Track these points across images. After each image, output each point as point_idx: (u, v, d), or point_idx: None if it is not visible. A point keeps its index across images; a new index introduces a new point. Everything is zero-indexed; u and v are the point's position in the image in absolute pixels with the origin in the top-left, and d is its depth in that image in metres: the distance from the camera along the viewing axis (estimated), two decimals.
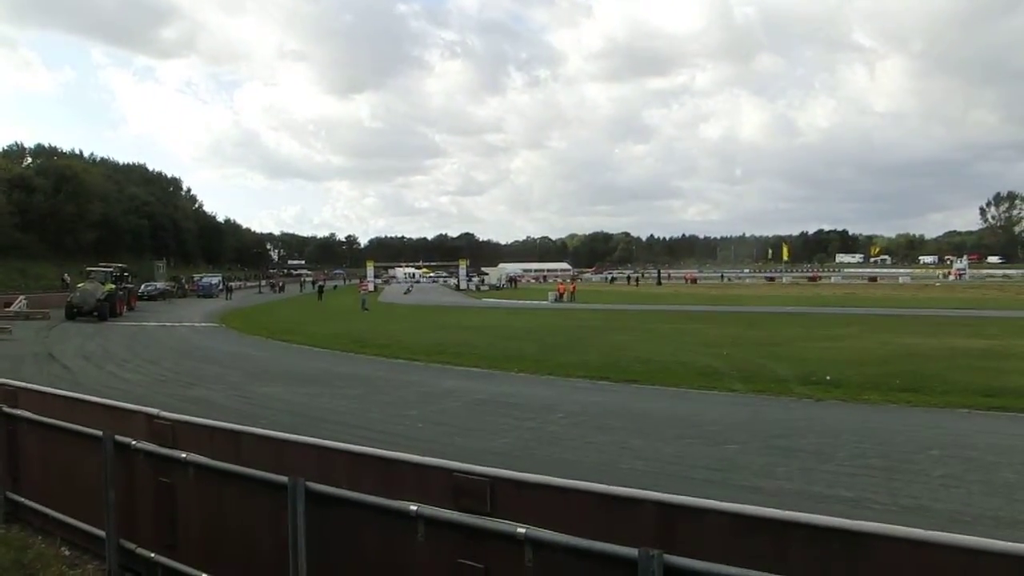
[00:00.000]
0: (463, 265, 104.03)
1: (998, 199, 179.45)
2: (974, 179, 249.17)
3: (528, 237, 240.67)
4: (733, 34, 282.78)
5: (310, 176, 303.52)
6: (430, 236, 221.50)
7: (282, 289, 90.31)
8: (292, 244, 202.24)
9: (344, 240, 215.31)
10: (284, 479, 4.94)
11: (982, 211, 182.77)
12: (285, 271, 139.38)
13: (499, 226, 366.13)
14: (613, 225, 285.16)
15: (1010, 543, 2.62)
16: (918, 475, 9.66)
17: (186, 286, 75.56)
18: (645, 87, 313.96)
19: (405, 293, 78.87)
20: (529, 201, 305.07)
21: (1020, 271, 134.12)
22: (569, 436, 12.53)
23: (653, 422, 13.63)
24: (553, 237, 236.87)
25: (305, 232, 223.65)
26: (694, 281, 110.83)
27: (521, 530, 3.90)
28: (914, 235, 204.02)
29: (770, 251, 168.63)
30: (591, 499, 3.92)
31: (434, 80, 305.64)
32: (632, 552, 3.36)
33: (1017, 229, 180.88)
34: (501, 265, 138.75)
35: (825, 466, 10.18)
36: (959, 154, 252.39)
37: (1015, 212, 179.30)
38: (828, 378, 17.01)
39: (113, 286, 44.23)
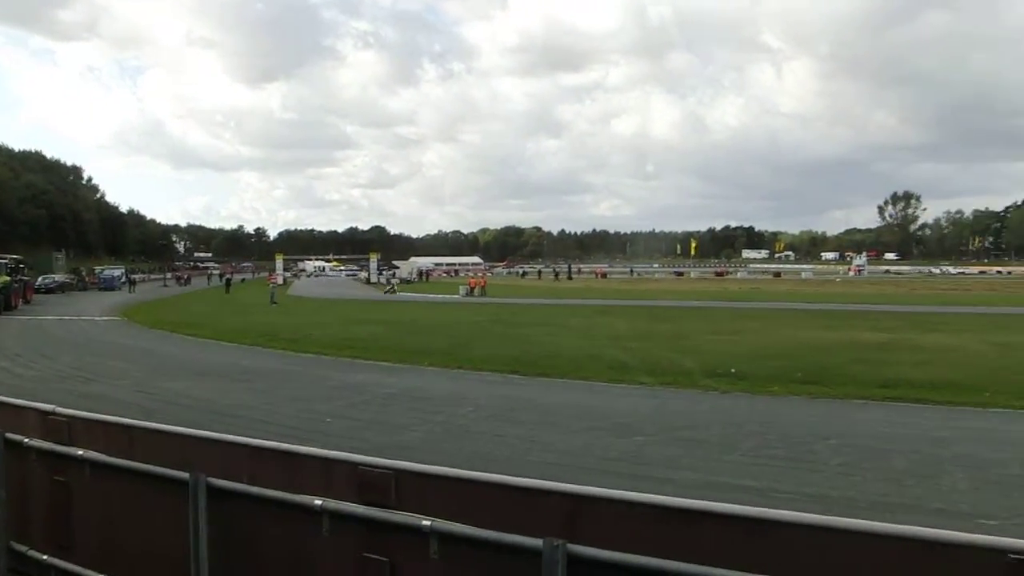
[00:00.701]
0: (374, 259, 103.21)
1: (895, 198, 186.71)
2: (874, 179, 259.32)
3: (440, 231, 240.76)
4: (647, 32, 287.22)
5: (218, 167, 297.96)
6: (341, 229, 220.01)
7: (188, 282, 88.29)
8: (199, 236, 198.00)
9: (253, 233, 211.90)
10: (185, 475, 4.80)
11: (880, 210, 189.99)
12: (191, 264, 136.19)
13: (411, 220, 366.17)
14: (525, 220, 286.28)
15: (899, 526, 2.69)
16: (818, 464, 9.95)
17: (87, 279, 72.97)
18: (559, 82, 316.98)
19: (309, 276, 77.64)
20: (441, 195, 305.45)
21: (915, 267, 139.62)
22: (479, 429, 12.51)
23: (562, 415, 13.69)
24: (465, 231, 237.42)
25: (212, 224, 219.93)
26: (604, 276, 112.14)
27: (426, 522, 3.87)
28: (817, 232, 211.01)
29: (679, 247, 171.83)
30: (497, 491, 3.90)
31: (347, 71, 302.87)
32: (537, 543, 3.36)
33: (913, 227, 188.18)
34: (412, 259, 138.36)
35: (730, 456, 10.39)
36: (860, 154, 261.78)
37: (910, 211, 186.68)
38: (733, 371, 17.35)
39: (8, 278, 42.26)
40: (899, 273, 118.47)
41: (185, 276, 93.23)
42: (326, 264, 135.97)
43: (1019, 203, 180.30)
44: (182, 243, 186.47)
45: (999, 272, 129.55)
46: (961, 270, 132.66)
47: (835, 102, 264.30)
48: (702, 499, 3.45)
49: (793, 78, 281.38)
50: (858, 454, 10.46)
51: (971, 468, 9.69)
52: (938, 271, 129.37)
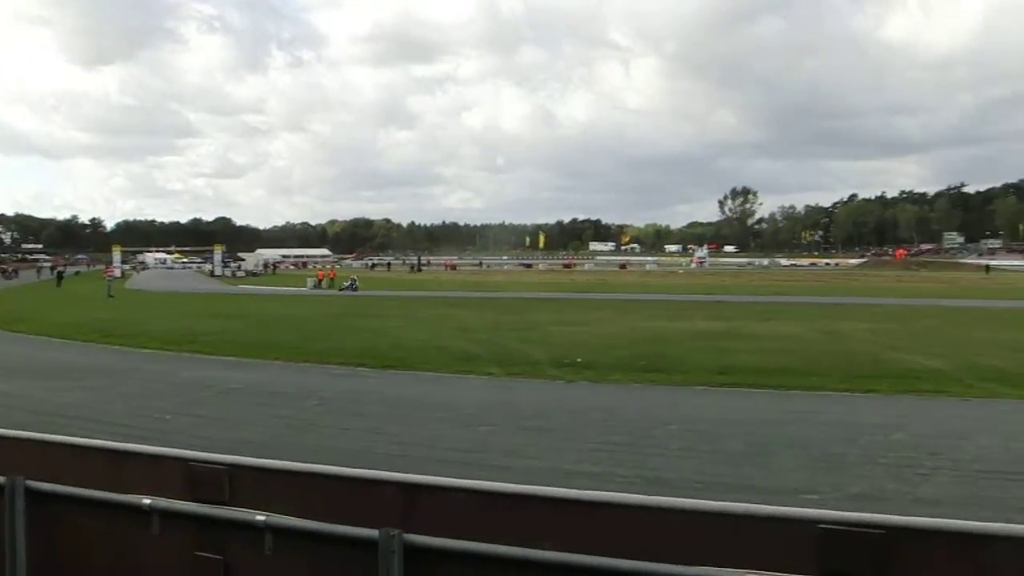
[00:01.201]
0: (219, 250, 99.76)
1: (735, 193, 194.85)
2: (715, 174, 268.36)
3: (288, 222, 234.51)
4: (498, 25, 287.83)
5: (50, 153, 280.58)
6: (184, 220, 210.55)
7: (15, 275, 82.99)
8: (28, 227, 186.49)
9: (88, 223, 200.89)
10: (0, 479, 4.49)
11: (720, 204, 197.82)
12: (19, 256, 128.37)
13: (258, 211, 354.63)
14: (375, 211, 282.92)
15: (729, 503, 2.77)
16: (658, 448, 10.23)
17: None
18: (410, 73, 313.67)
19: (150, 268, 74.48)
20: (290, 185, 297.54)
21: (751, 259, 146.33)
22: (324, 423, 12.29)
23: (409, 407, 13.60)
24: (313, 223, 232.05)
25: (44, 214, 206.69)
26: (453, 268, 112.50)
27: (260, 518, 3.74)
28: (662, 225, 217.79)
29: (528, 239, 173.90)
30: (334, 483, 3.82)
31: (190, 55, 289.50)
32: (373, 533, 3.30)
33: (750, 221, 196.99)
34: (259, 251, 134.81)
35: (573, 444, 10.56)
36: (703, 151, 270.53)
37: (748, 206, 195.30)
38: (579, 360, 17.67)
39: None
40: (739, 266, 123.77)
41: (11, 269, 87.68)
42: (168, 256, 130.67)
43: (845, 199, 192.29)
44: (9, 234, 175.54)
45: (827, 264, 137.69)
46: (793, 262, 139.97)
47: (680, 100, 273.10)
48: (543, 486, 3.48)
49: (641, 75, 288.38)
50: (697, 438, 10.84)
51: (799, 448, 10.21)
52: (769, 263, 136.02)
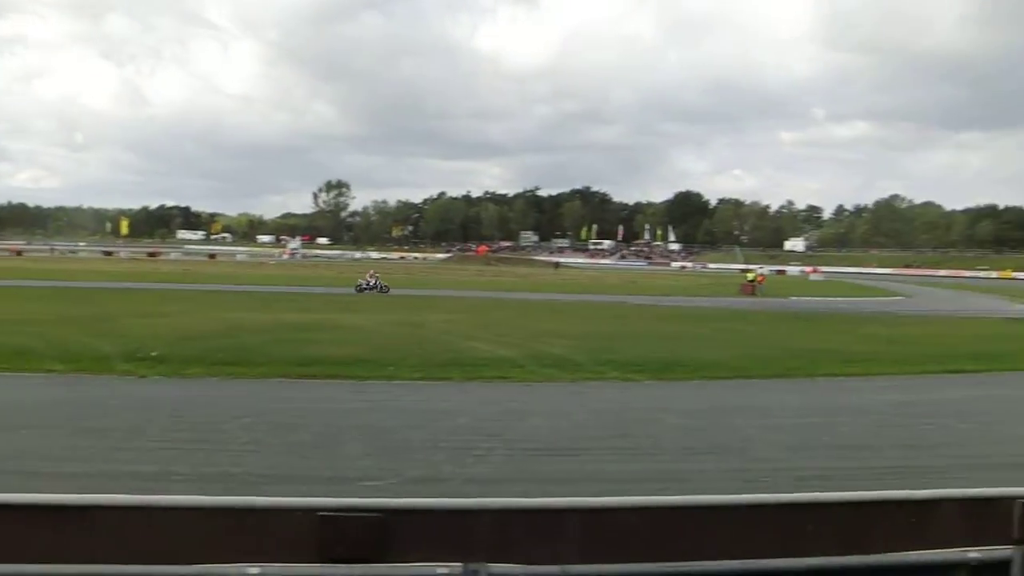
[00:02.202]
0: None
1: (329, 186, 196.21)
2: (311, 166, 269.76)
3: None
4: None
5: None
6: None
7: None
8: None
9: None
10: None
11: (315, 196, 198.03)
12: None
13: None
14: None
15: (232, 497, 2.69)
16: (226, 443, 9.94)
17: None
18: None
19: None
20: None
21: (344, 251, 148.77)
22: None
23: None
24: None
25: None
26: (19, 254, 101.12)
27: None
28: (255, 215, 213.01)
29: (109, 224, 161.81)
30: None
31: None
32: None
33: (343, 214, 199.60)
34: None
35: (134, 443, 9.90)
36: (300, 141, 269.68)
37: (342, 199, 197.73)
38: (154, 354, 16.66)
39: None
40: (330, 259, 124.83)
41: None
42: None
43: (435, 196, 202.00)
44: None
45: (416, 258, 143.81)
46: (384, 255, 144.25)
47: (279, 88, 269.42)
48: (84, 492, 3.14)
49: (239, 59, 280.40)
50: (268, 431, 10.71)
51: (367, 436, 10.52)
52: (365, 256, 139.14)
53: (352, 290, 41.24)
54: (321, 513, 2.43)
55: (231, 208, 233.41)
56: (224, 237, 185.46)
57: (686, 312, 35.77)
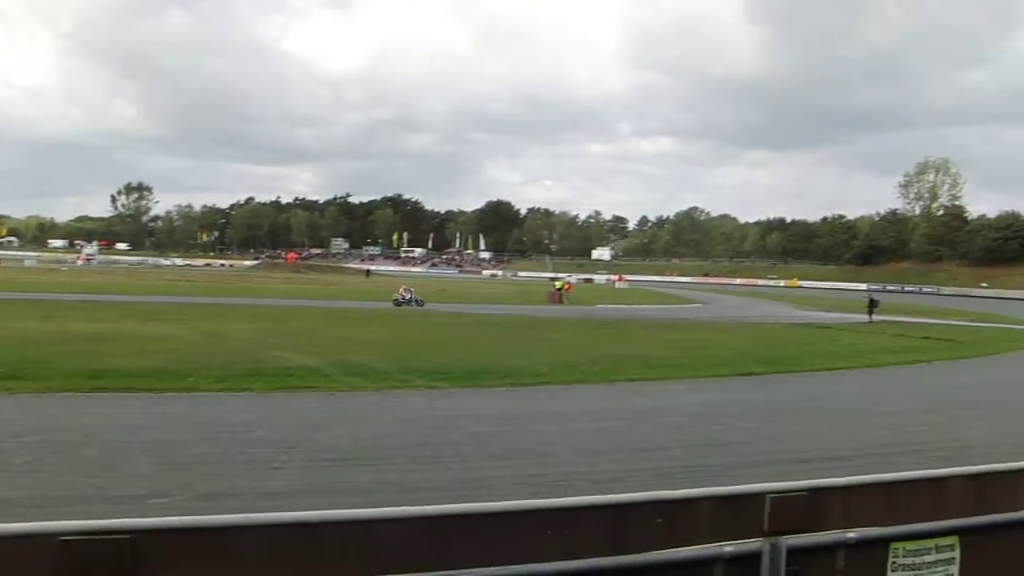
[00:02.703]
0: None
1: (129, 188, 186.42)
2: (109, 167, 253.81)
3: None
4: None
5: None
6: None
7: None
8: None
9: None
10: None
11: (113, 199, 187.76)
12: None
13: None
14: None
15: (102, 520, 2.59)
16: (2, 465, 9.32)
17: None
18: None
19: None
20: None
21: (145, 257, 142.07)
22: None
23: None
24: None
25: None
26: None
27: None
28: (46, 218, 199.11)
29: None
30: None
31: None
32: None
33: (145, 218, 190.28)
34: None
35: None
36: (98, 140, 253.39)
37: (143, 202, 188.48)
38: None
39: None
40: (130, 264, 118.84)
41: None
42: None
43: (243, 202, 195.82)
44: None
45: (222, 264, 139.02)
46: (188, 262, 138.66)
47: (75, 83, 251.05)
48: None
49: (29, 50, 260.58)
50: (51, 449, 10.14)
51: (159, 452, 10.13)
52: (169, 263, 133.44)
53: (144, 299, 39.44)
54: (63, 538, 2.34)
55: (19, 210, 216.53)
56: (11, 241, 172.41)
57: (494, 320, 36.42)
